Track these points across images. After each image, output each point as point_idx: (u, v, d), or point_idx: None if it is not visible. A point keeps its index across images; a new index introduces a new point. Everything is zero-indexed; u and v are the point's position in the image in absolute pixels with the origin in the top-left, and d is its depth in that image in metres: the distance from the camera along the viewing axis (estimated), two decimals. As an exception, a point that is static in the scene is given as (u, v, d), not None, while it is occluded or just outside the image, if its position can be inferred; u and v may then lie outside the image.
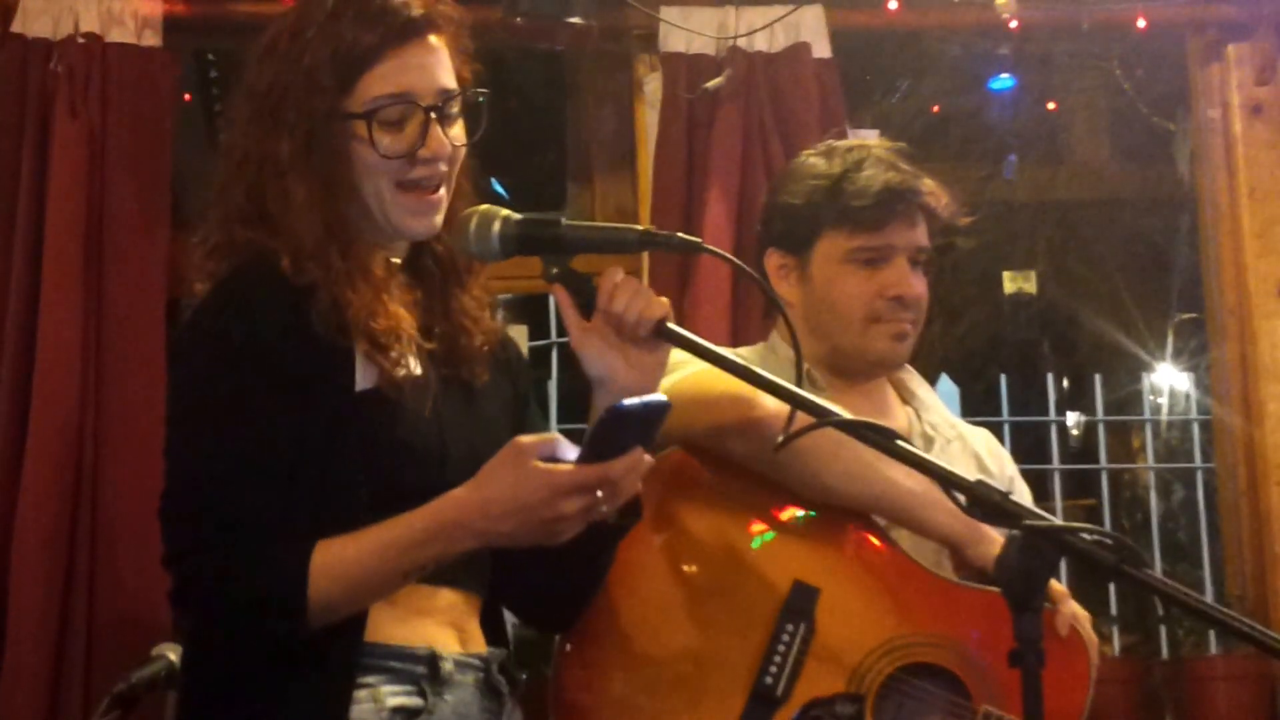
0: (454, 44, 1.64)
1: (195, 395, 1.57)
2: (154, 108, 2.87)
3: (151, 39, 2.88)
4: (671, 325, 1.63)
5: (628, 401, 1.46)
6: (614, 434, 1.46)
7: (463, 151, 1.63)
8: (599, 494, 1.47)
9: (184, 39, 2.95)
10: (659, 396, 1.51)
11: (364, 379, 1.57)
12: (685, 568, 1.85)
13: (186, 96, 2.95)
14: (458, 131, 1.63)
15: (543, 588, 1.70)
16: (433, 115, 1.58)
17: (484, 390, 1.68)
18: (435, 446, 1.59)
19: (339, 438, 1.55)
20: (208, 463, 1.52)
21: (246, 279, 1.58)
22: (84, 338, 2.78)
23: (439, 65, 1.61)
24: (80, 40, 2.85)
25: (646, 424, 1.49)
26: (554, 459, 1.47)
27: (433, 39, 1.61)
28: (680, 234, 1.61)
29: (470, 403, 1.66)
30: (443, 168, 1.61)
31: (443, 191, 1.62)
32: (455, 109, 1.62)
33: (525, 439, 1.49)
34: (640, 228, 1.60)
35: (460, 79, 1.63)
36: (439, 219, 1.63)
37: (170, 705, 2.65)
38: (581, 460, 1.46)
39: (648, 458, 1.51)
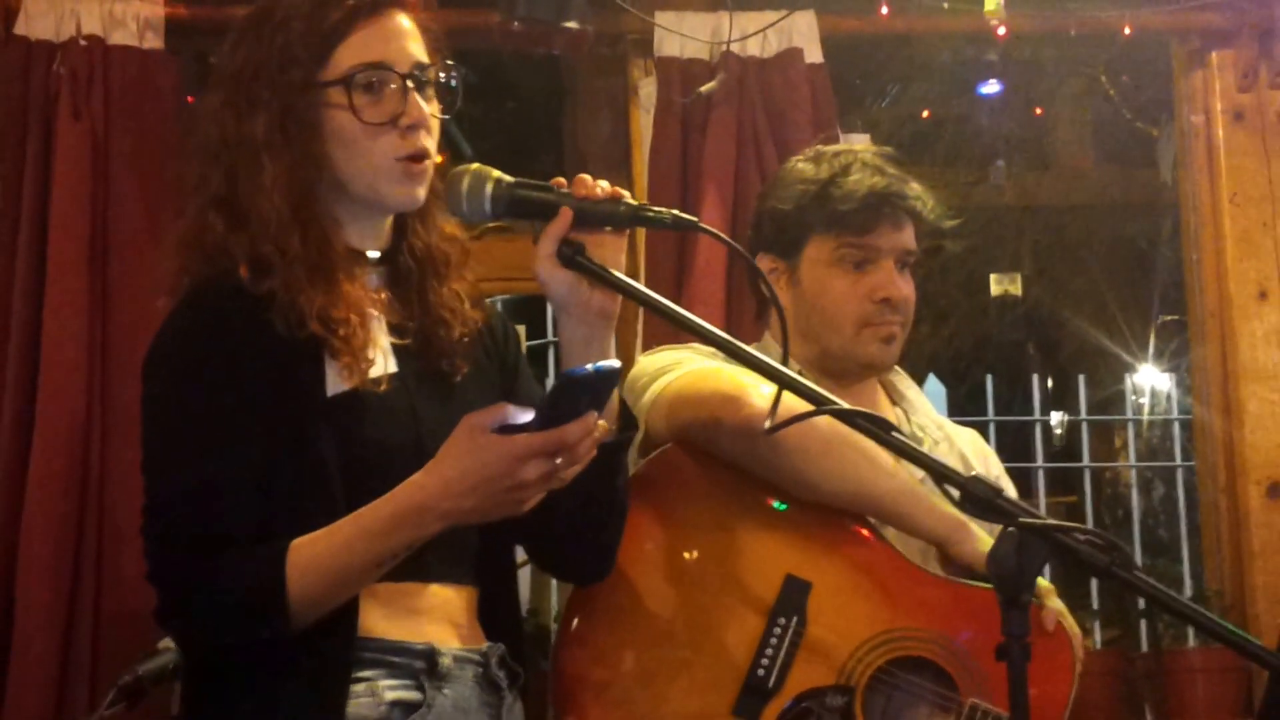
0: (422, 26, 1.65)
1: (165, 413, 1.57)
2: (157, 110, 2.89)
3: (154, 41, 2.90)
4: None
5: (579, 368, 1.48)
6: (567, 400, 1.46)
7: (438, 126, 1.64)
8: (557, 460, 1.47)
9: (186, 41, 2.96)
10: (610, 362, 1.50)
11: (334, 381, 1.57)
12: (681, 561, 1.87)
13: (189, 99, 2.96)
14: (433, 107, 1.63)
15: (567, 535, 1.69)
16: (409, 83, 1.59)
17: (465, 381, 1.67)
18: (411, 443, 1.59)
19: (312, 442, 1.55)
20: (181, 478, 1.53)
21: (206, 294, 1.58)
22: (89, 337, 2.80)
23: (410, 38, 1.62)
24: (83, 42, 2.87)
25: (599, 389, 1.49)
26: (507, 426, 1.46)
27: (401, 17, 1.63)
28: (675, 211, 1.58)
29: (449, 396, 1.65)
30: (425, 140, 1.61)
31: (427, 164, 1.62)
32: (429, 85, 1.62)
33: (475, 414, 1.49)
34: (634, 202, 1.59)
35: (431, 57, 1.64)
36: (422, 192, 1.62)
37: (176, 697, 2.68)
38: (536, 426, 1.46)
39: (602, 423, 1.50)
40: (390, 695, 1.57)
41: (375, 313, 1.63)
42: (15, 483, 2.76)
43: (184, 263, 1.61)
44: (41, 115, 2.85)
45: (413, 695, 1.58)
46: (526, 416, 1.47)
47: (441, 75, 1.64)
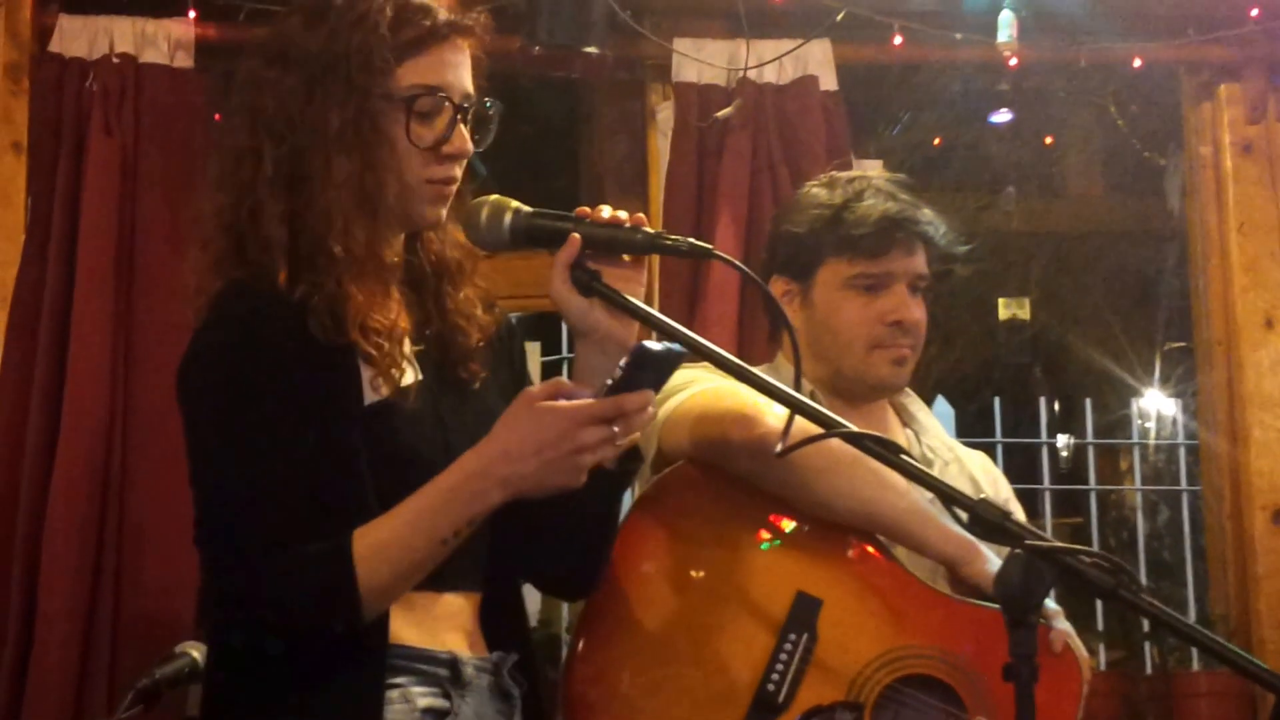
0: (476, 54, 1.67)
1: (212, 426, 1.56)
2: (185, 127, 2.94)
3: (184, 61, 2.96)
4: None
5: (651, 344, 1.50)
6: (635, 373, 1.50)
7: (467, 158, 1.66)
8: (615, 428, 1.50)
9: (215, 61, 3.01)
10: (679, 346, 1.54)
11: (368, 389, 1.58)
12: (692, 577, 1.88)
13: (216, 116, 3.01)
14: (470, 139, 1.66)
15: (558, 552, 1.70)
16: (459, 114, 1.62)
17: (483, 387, 1.69)
18: (440, 451, 1.59)
19: (348, 448, 1.56)
20: (237, 485, 1.53)
21: (239, 302, 1.57)
22: (114, 345, 2.85)
23: (467, 69, 1.65)
24: (115, 60, 2.93)
25: (662, 369, 1.52)
26: (563, 399, 1.50)
27: (462, 44, 1.65)
28: (691, 239, 1.60)
29: (467, 400, 1.67)
30: (458, 169, 1.64)
31: (454, 189, 1.65)
32: (472, 116, 1.65)
33: (532, 388, 1.53)
34: (650, 229, 1.61)
35: (476, 89, 1.66)
36: (445, 213, 1.66)
37: (191, 700, 2.72)
38: (602, 395, 1.50)
39: (651, 407, 1.53)
40: (423, 702, 1.58)
41: (404, 319, 1.66)
42: (39, 488, 2.80)
43: (220, 248, 1.60)
44: (74, 130, 2.91)
45: (441, 703, 1.60)
46: (578, 395, 1.51)
47: (482, 108, 1.65)
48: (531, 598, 2.70)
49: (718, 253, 1.63)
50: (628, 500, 2.01)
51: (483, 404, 1.66)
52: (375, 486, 1.56)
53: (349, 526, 1.52)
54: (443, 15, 1.64)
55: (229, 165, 1.62)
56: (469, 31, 1.66)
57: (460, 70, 1.64)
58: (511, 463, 1.50)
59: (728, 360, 1.57)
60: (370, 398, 1.58)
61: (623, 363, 1.51)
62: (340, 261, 1.57)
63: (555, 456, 1.49)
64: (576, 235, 1.59)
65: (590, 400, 1.50)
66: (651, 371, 1.52)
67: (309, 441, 1.54)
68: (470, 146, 1.64)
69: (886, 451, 1.49)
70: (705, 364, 1.96)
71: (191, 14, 3.00)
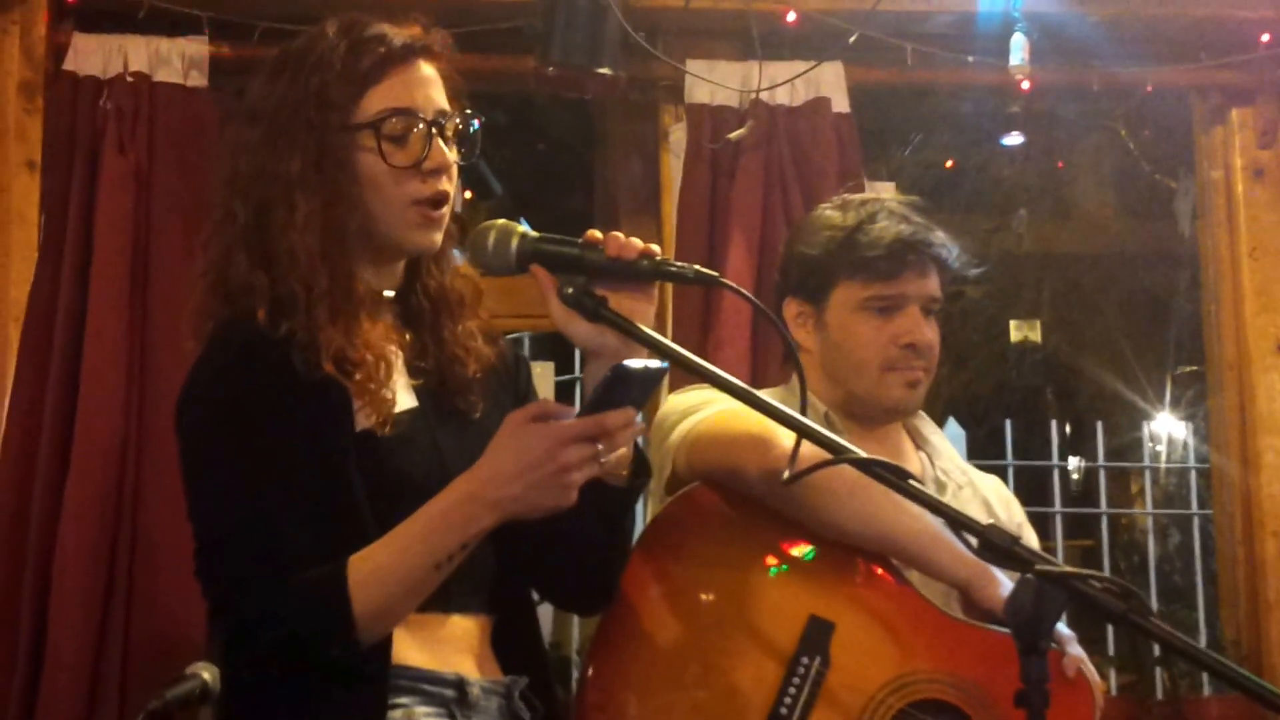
0: (445, 73, 1.69)
1: (209, 455, 1.59)
2: (199, 145, 2.93)
3: (198, 79, 2.96)
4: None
5: (630, 362, 1.51)
6: (617, 391, 1.51)
7: (457, 172, 1.67)
8: (599, 445, 1.51)
9: (229, 80, 3.00)
10: (661, 362, 1.55)
11: (358, 419, 1.60)
12: (705, 599, 1.89)
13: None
14: (453, 154, 1.67)
15: (572, 567, 1.72)
16: (434, 129, 1.64)
17: (483, 417, 1.70)
18: (436, 475, 1.61)
19: (342, 476, 1.57)
20: (234, 514, 1.56)
21: (230, 335, 1.60)
22: (127, 364, 2.84)
23: (435, 87, 1.66)
24: (129, 79, 2.93)
25: (645, 385, 1.53)
26: (547, 420, 1.52)
27: (426, 65, 1.66)
28: (698, 266, 1.61)
29: (467, 430, 1.68)
30: (445, 185, 1.64)
31: (445, 210, 1.66)
32: (450, 131, 1.66)
33: (516, 411, 1.54)
34: (656, 257, 1.61)
35: (452, 105, 1.68)
36: (439, 237, 1.66)
37: (202, 721, 2.72)
38: (582, 414, 1.51)
39: (640, 423, 1.55)
40: None
41: (395, 350, 1.67)
42: (51, 507, 2.79)
43: (206, 303, 1.64)
44: (88, 148, 2.91)
45: None
46: (565, 415, 1.52)
47: (459, 123, 1.68)
48: (543, 619, 2.71)
49: (723, 280, 1.64)
50: (641, 520, 2.02)
51: (484, 433, 1.65)
52: (372, 513, 1.58)
53: (346, 553, 1.54)
54: (398, 40, 1.65)
55: (215, 226, 1.67)
56: (428, 52, 1.67)
57: (428, 89, 1.66)
58: (499, 485, 1.51)
59: (734, 385, 1.58)
60: (361, 425, 1.60)
61: (600, 381, 1.52)
62: (309, 298, 1.59)
63: (540, 477, 1.51)
64: (545, 271, 1.61)
65: (572, 420, 1.51)
66: (635, 388, 1.53)
67: (303, 470, 1.56)
68: (449, 159, 1.65)
69: (894, 477, 1.49)
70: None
71: (205, 33, 3.00)
